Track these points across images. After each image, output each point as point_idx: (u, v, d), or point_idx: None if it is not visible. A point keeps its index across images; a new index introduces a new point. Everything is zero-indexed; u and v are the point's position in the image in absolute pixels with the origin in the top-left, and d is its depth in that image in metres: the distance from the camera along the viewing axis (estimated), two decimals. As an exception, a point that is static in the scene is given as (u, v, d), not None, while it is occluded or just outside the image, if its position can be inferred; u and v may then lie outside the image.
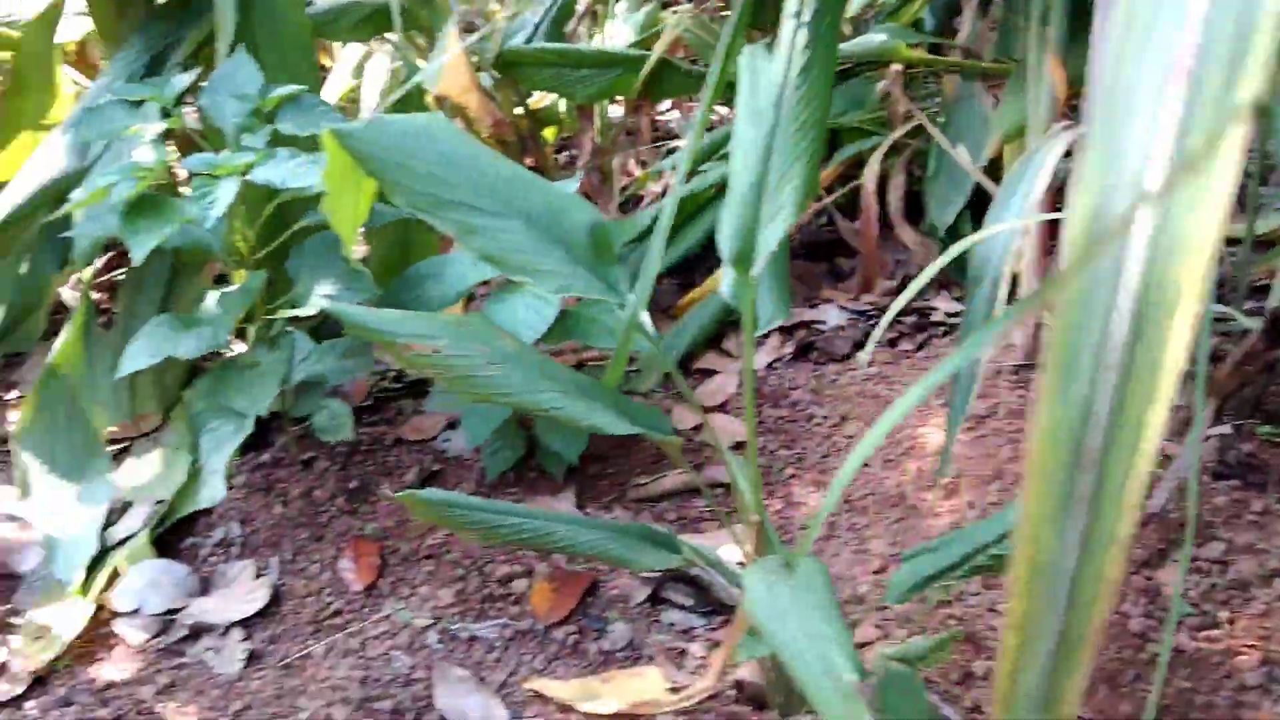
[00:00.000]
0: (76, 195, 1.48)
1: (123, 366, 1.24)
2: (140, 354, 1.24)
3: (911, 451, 1.35)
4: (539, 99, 2.38)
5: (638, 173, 2.27)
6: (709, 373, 1.71)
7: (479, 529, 0.92)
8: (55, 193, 1.59)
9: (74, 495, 1.45)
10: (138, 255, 1.07)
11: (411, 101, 1.70)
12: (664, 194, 2.03)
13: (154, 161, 1.14)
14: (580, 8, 2.19)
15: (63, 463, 1.50)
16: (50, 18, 1.73)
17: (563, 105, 2.33)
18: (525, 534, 0.92)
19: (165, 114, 1.27)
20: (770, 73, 0.95)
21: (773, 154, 0.86)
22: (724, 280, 0.91)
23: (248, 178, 1.12)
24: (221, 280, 1.80)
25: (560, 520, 0.93)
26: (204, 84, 1.38)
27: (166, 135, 1.54)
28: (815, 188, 0.87)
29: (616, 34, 2.33)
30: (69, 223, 1.65)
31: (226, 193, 1.08)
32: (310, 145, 1.24)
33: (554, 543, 0.92)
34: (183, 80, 1.26)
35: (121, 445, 1.61)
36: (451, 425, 1.60)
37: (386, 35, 2.02)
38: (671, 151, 2.31)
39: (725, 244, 0.89)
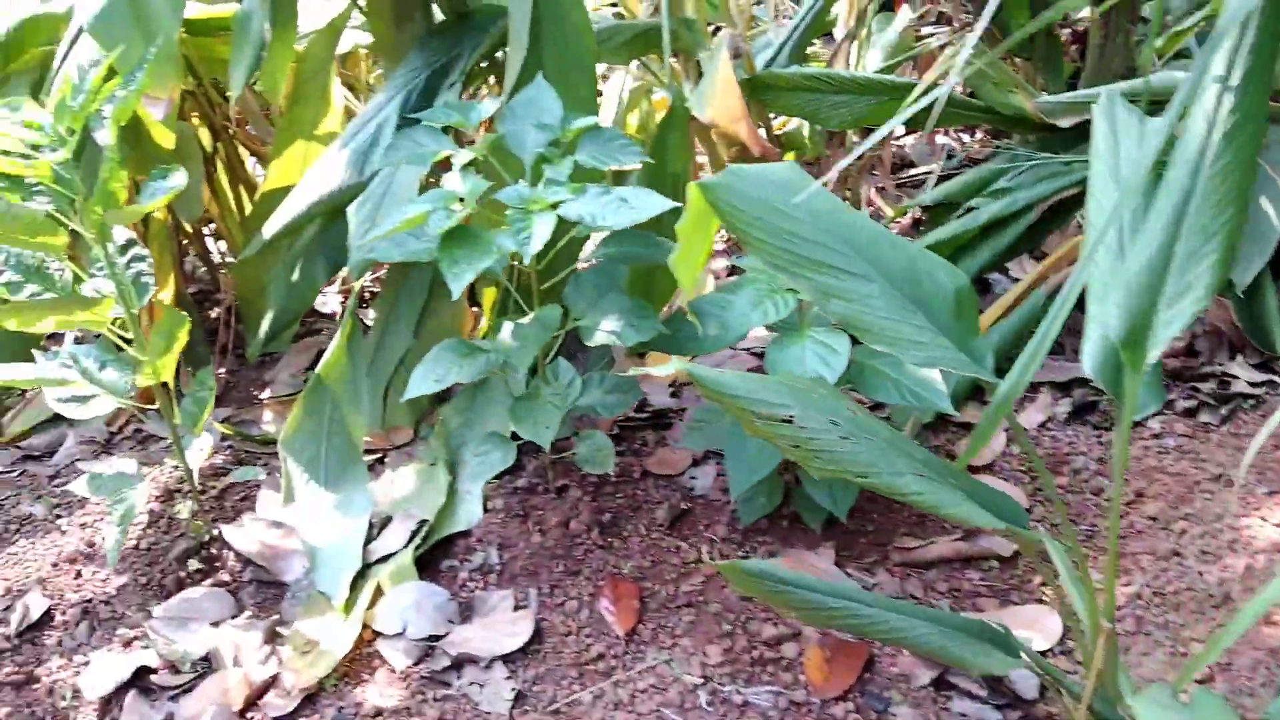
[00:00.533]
0: (377, 218, 1.50)
1: (411, 389, 1.24)
2: (426, 378, 1.23)
3: (1235, 545, 1.21)
4: (782, 121, 2.32)
5: (877, 201, 2.17)
6: (967, 427, 1.60)
7: (803, 608, 0.86)
8: (331, 205, 1.62)
9: (335, 503, 1.47)
10: (456, 287, 1.05)
11: (672, 125, 1.66)
12: (917, 227, 1.92)
13: (468, 191, 1.12)
14: (838, 32, 2.11)
15: (324, 470, 1.52)
16: (335, 30, 1.77)
17: (806, 129, 2.26)
18: (855, 619, 0.85)
19: (450, 133, 1.26)
20: (1148, 134, 0.85)
21: (1183, 228, 0.76)
22: (1092, 357, 0.82)
23: (558, 212, 1.09)
24: (472, 299, 1.81)
25: (894, 610, 0.86)
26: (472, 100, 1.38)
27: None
28: (1228, 271, 0.77)
29: (861, 56, 2.24)
30: (343, 235, 1.68)
31: (543, 228, 1.05)
32: (596, 176, 1.22)
33: (886, 633, 0.85)
34: (487, 108, 1.25)
35: (376, 456, 1.62)
36: (697, 462, 1.55)
37: (645, 58, 1.99)
38: (912, 182, 2.20)
39: (1114, 321, 0.79)
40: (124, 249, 1.24)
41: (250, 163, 2.12)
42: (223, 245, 2.14)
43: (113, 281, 1.16)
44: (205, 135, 1.95)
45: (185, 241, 2.03)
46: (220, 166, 1.98)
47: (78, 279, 1.24)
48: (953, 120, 1.86)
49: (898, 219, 2.01)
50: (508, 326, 1.19)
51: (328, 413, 1.56)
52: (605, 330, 1.23)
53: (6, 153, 1.01)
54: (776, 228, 0.80)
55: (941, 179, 2.24)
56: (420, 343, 1.73)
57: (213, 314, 2.07)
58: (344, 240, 1.67)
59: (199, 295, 2.13)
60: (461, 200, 1.13)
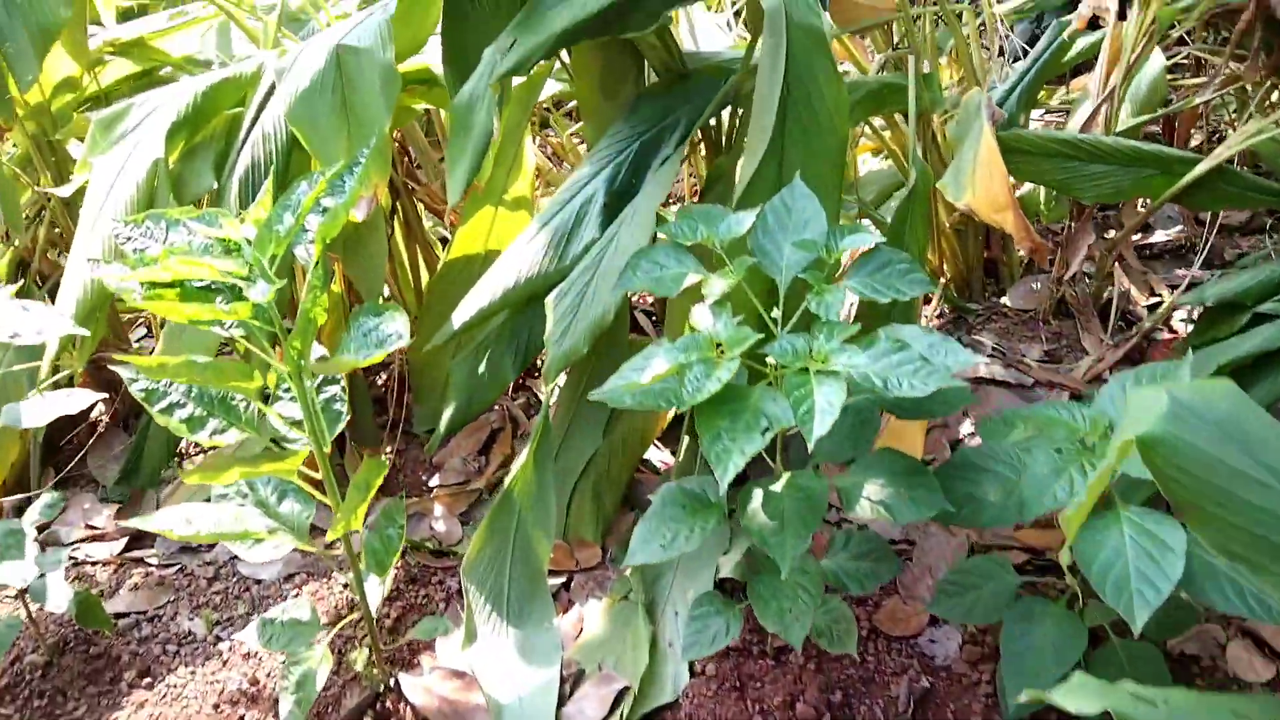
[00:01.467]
0: (581, 312, 1.31)
1: (633, 555, 1.04)
2: (650, 542, 1.04)
3: None
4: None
5: (1124, 281, 1.88)
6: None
7: None
8: (527, 293, 1.44)
9: (520, 647, 1.29)
10: (723, 478, 0.85)
11: (914, 206, 1.43)
12: (1182, 345, 1.64)
13: (728, 339, 0.91)
14: (1091, 83, 1.83)
15: (508, 601, 1.34)
16: (532, 86, 1.59)
17: (1042, 191, 2.00)
18: None
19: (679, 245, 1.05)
20: None
21: None
22: None
23: (836, 368, 0.88)
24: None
25: None
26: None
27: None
28: None
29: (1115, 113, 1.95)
30: (536, 324, 1.50)
31: (830, 400, 0.84)
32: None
33: None
34: (742, 221, 1.03)
35: (560, 580, 1.44)
36: (935, 620, 1.32)
37: (878, 118, 1.76)
38: (1152, 252, 1.90)
39: None
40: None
41: (426, 218, 1.97)
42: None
43: (305, 416, 0.99)
44: (382, 192, 1.80)
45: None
46: (397, 225, 1.82)
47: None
48: (1239, 202, 1.58)
49: (1163, 318, 1.72)
50: (757, 495, 0.98)
51: (514, 533, 1.38)
52: (872, 499, 1.01)
53: (204, 291, 0.85)
54: (1239, 504, 0.57)
55: (1210, 264, 1.95)
56: (609, 444, 1.54)
57: (379, 379, 1.92)
58: (538, 330, 1.50)
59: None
60: (721, 348, 0.92)
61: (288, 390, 1.06)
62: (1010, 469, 1.10)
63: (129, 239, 0.95)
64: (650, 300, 2.07)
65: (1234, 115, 2.15)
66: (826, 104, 1.22)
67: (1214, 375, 1.36)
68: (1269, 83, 1.60)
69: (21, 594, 1.27)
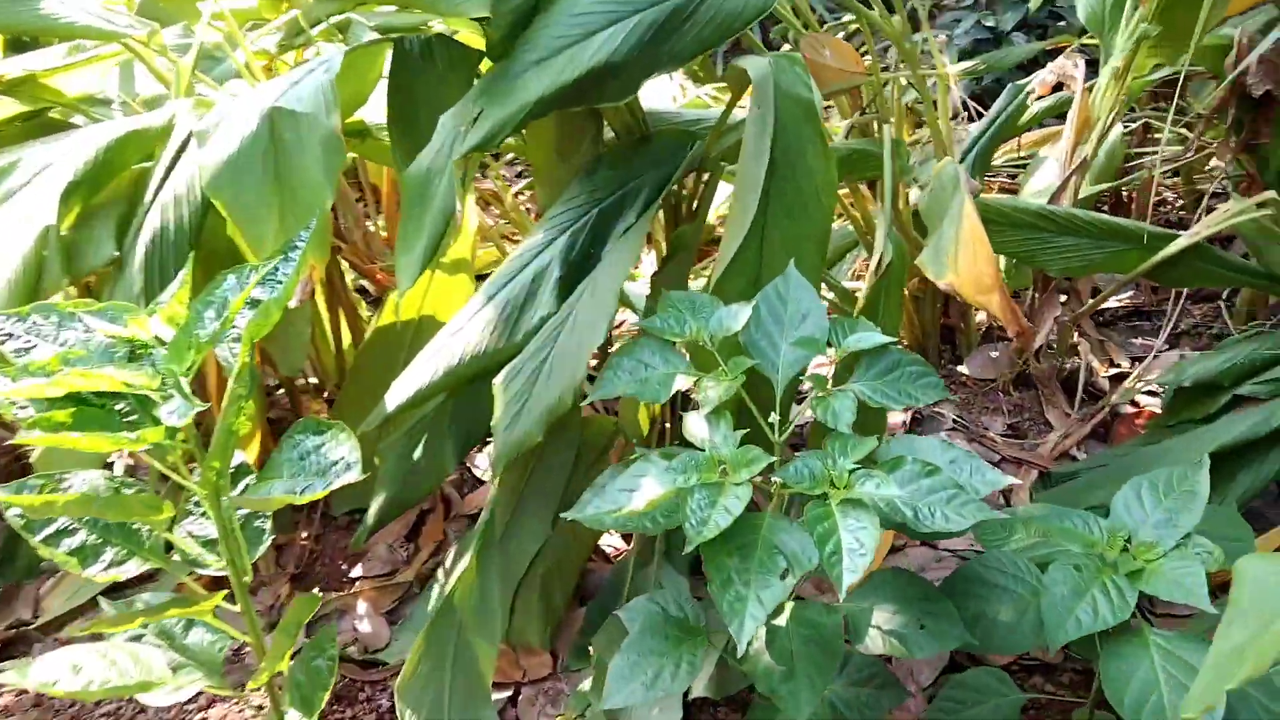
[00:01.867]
0: (533, 397, 1.18)
1: (609, 698, 0.90)
2: (629, 682, 0.90)
3: None
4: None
5: (1087, 356, 1.83)
6: None
7: None
8: (472, 371, 1.29)
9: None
10: (741, 637, 0.72)
11: (889, 288, 1.34)
12: (1155, 424, 1.58)
13: (731, 458, 0.79)
14: (1054, 152, 1.78)
15: (448, 722, 1.19)
16: (474, 144, 1.45)
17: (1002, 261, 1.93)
18: None
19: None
20: None
21: None
22: None
23: (861, 498, 0.76)
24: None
25: None
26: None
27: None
28: None
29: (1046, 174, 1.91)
30: (481, 408, 1.36)
31: (862, 541, 0.72)
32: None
33: None
34: (737, 316, 0.91)
35: (505, 694, 1.29)
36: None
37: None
38: (1107, 319, 1.86)
39: None
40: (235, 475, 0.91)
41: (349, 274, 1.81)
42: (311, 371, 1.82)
43: (221, 542, 0.83)
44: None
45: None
46: (317, 284, 1.66)
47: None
48: (1214, 281, 1.53)
49: (1130, 396, 1.66)
50: (750, 619, 0.85)
51: (453, 644, 1.23)
52: (883, 628, 0.89)
53: (102, 409, 0.69)
54: None
55: (1177, 337, 1.91)
56: (559, 534, 1.40)
57: (293, 452, 1.74)
58: (482, 414, 1.35)
59: (276, 427, 1.80)
60: (724, 468, 0.80)
61: (199, 505, 0.89)
62: (1019, 583, 1.01)
63: (9, 336, 0.78)
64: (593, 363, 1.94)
65: (1182, 186, 2.14)
66: (815, 181, 1.11)
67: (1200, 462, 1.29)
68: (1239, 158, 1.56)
69: None
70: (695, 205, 1.44)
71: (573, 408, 1.33)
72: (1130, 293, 2.05)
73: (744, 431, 0.83)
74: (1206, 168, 2.05)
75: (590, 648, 1.27)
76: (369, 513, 1.37)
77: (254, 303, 0.78)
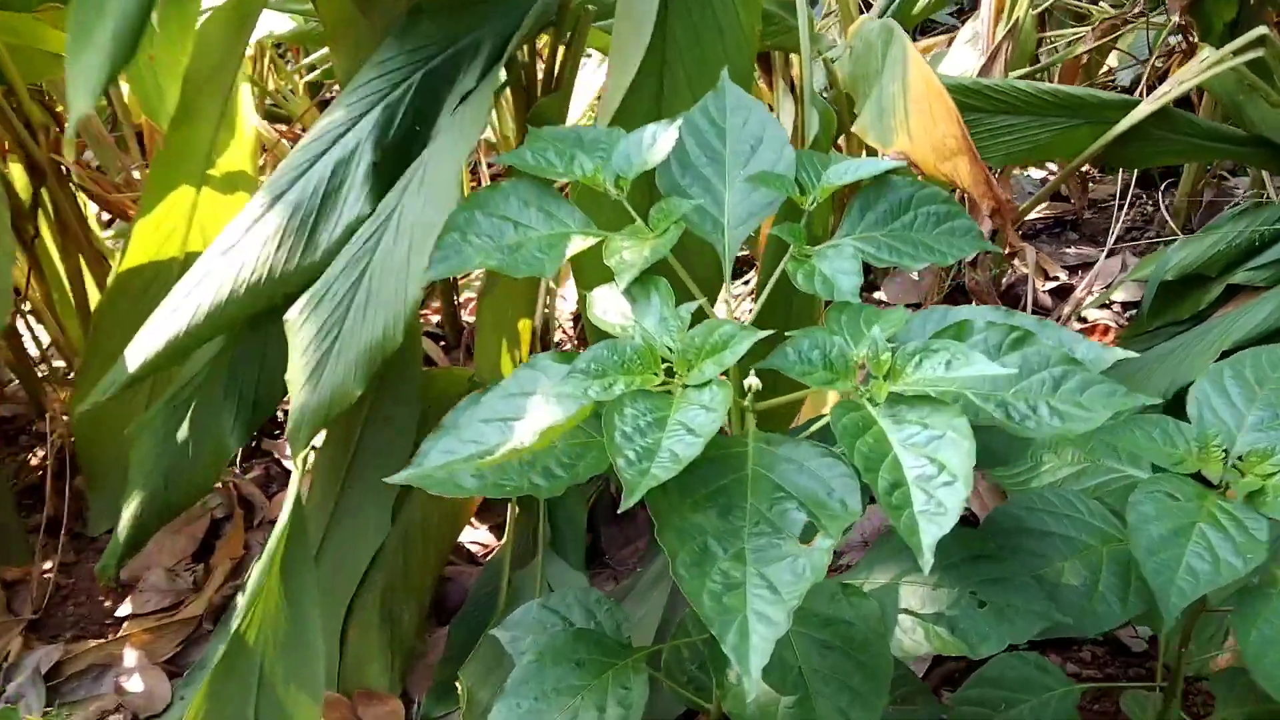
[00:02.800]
0: (346, 332, 0.82)
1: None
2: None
3: None
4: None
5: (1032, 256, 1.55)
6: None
7: None
8: (253, 305, 0.90)
9: None
10: (751, 666, 0.37)
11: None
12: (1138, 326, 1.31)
13: (687, 342, 0.44)
14: (969, 34, 1.51)
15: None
16: (241, 12, 1.05)
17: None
18: None
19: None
20: None
21: None
22: None
23: (926, 390, 0.42)
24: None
25: None
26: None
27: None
28: None
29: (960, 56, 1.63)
30: (273, 360, 0.96)
31: (956, 462, 0.38)
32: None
33: None
34: (660, 140, 0.56)
35: (340, 760, 0.90)
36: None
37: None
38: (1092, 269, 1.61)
39: None
40: None
41: (95, 209, 1.37)
42: (41, 332, 1.36)
43: None
44: (18, 174, 1.20)
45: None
46: (45, 226, 1.22)
47: None
48: (1185, 155, 1.28)
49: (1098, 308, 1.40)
50: (759, 626, 0.49)
51: (252, 702, 0.83)
52: (923, 612, 0.56)
53: None
54: None
55: (1096, 242, 1.66)
56: (402, 531, 1.02)
57: (30, 458, 1.29)
58: (275, 365, 0.96)
59: (7, 425, 1.35)
60: (670, 368, 0.45)
61: None
62: (1082, 527, 0.70)
63: None
64: (436, 316, 1.55)
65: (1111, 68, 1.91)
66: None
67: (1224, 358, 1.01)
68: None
69: None
70: (556, 72, 1.08)
71: (407, 348, 0.96)
72: (1046, 203, 1.81)
73: (693, 305, 0.48)
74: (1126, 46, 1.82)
75: (457, 683, 0.90)
76: (119, 525, 0.96)
77: None
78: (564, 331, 1.50)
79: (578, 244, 0.53)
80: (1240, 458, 0.68)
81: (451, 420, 0.49)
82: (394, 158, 0.94)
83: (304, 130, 1.44)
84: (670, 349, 0.45)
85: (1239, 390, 0.72)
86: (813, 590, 0.53)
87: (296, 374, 0.86)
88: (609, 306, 0.50)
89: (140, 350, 0.89)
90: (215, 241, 0.93)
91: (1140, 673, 0.99)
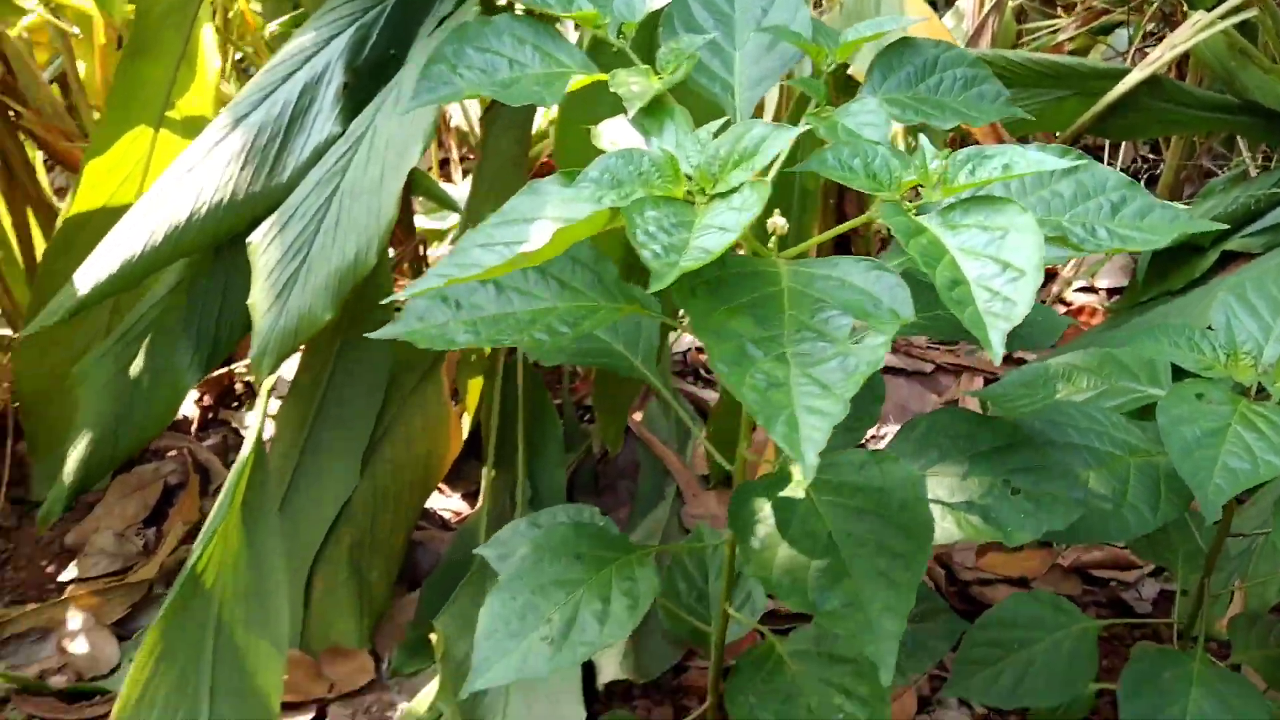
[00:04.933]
0: (316, 252, 0.77)
1: (481, 672, 0.48)
2: (512, 642, 0.49)
3: None
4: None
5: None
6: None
7: None
8: (215, 230, 0.84)
9: None
10: (807, 454, 0.31)
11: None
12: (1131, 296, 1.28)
13: (709, 155, 0.39)
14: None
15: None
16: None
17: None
18: None
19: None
20: None
21: None
22: None
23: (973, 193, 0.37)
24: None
25: None
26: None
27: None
28: None
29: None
30: (233, 292, 0.90)
31: (1018, 260, 0.33)
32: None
33: None
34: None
35: (304, 716, 0.83)
36: (924, 702, 0.85)
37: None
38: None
39: None
40: None
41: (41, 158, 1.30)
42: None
43: None
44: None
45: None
46: (-11, 172, 1.15)
47: None
48: (1176, 126, 1.26)
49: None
50: (809, 419, 0.42)
51: (209, 649, 0.76)
52: (952, 501, 0.51)
53: None
54: None
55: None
56: (372, 484, 0.96)
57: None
58: (236, 294, 0.89)
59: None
60: (690, 180, 0.40)
61: None
62: (1105, 439, 0.65)
63: None
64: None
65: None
66: None
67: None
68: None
69: None
70: None
71: (380, 282, 0.91)
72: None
73: (716, 124, 0.44)
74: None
75: (431, 637, 0.83)
76: (65, 467, 0.89)
77: None
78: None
79: (578, 80, 0.48)
80: (1270, 366, 0.65)
81: (465, 242, 0.43)
82: (367, 80, 0.89)
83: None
84: (693, 168, 0.40)
85: (1264, 303, 0.69)
86: (840, 460, 0.48)
87: (261, 297, 0.80)
88: (619, 137, 0.45)
89: (92, 273, 0.82)
90: (173, 163, 0.87)
91: (1145, 633, 0.95)
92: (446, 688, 0.79)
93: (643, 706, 0.80)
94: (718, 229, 0.36)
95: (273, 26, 1.44)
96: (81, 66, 1.29)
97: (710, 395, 1.27)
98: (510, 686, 0.80)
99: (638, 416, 1.23)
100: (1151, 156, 1.79)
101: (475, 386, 1.12)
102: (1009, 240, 0.36)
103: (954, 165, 0.39)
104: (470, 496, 1.15)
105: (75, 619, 0.97)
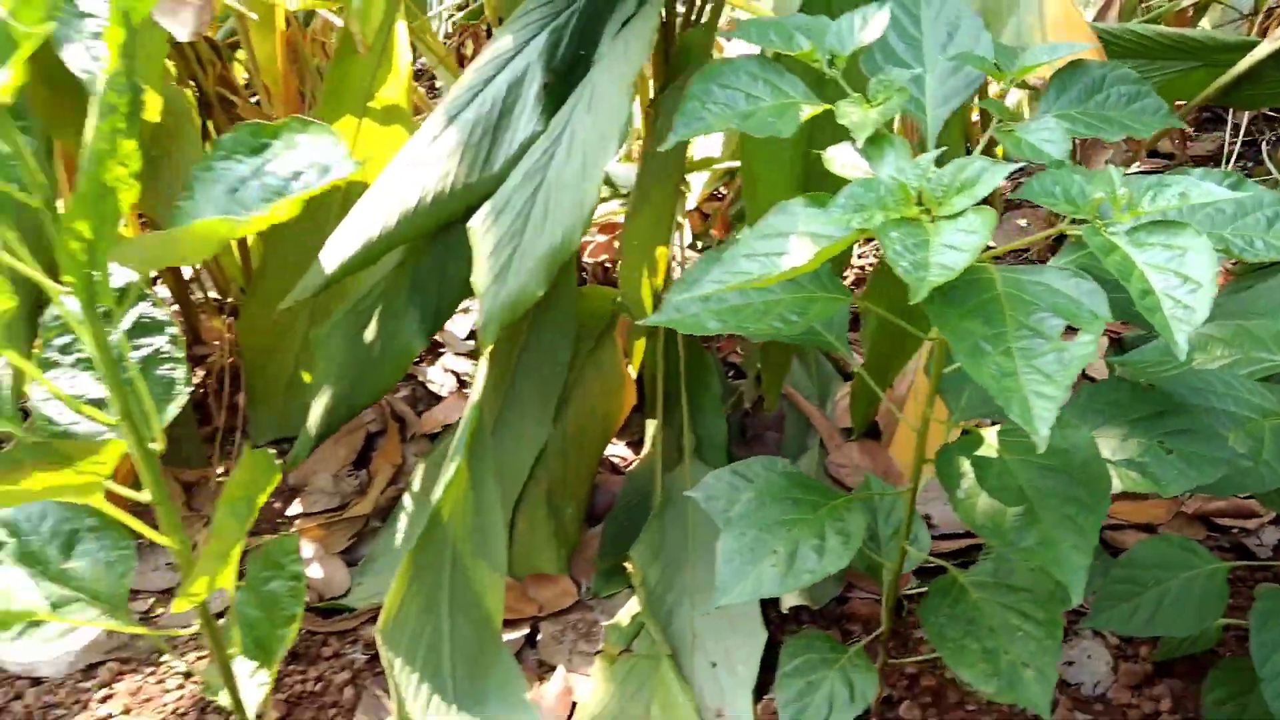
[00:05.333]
0: (527, 235, 0.89)
1: (724, 593, 0.61)
2: (750, 569, 0.61)
3: None
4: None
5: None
6: None
7: None
8: (436, 216, 0.97)
9: (482, 748, 0.82)
10: (1036, 420, 0.42)
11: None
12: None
13: (939, 180, 0.49)
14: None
15: (453, 676, 0.87)
16: (406, -55, 1.12)
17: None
18: None
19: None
20: None
21: None
22: None
23: (1154, 217, 0.47)
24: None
25: None
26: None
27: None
28: None
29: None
30: (454, 268, 1.03)
31: (1196, 273, 0.43)
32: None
33: None
34: (871, 21, 0.61)
35: (519, 633, 0.98)
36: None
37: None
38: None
39: None
40: (120, 298, 0.58)
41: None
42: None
43: (106, 377, 0.50)
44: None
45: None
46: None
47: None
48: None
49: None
50: (1038, 400, 0.54)
51: (447, 575, 0.91)
52: (1115, 458, 0.61)
53: None
54: None
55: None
56: (561, 435, 1.10)
57: (196, 374, 1.38)
58: (454, 274, 1.03)
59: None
60: (920, 201, 0.50)
61: (68, 347, 0.56)
62: (1241, 404, 0.74)
63: None
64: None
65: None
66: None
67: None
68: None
69: None
70: (696, 6, 1.13)
71: (571, 265, 1.03)
72: (1141, 160, 1.83)
73: (933, 155, 0.54)
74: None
75: (627, 564, 0.97)
76: (309, 419, 1.04)
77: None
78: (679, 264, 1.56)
79: (807, 111, 0.59)
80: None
81: (702, 268, 0.55)
82: (561, 79, 1.01)
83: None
84: (919, 190, 0.51)
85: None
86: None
87: (482, 276, 0.93)
88: (846, 161, 0.56)
89: (335, 254, 0.96)
90: (399, 155, 1.00)
91: (1267, 575, 1.03)
92: (645, 606, 0.92)
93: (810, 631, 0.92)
94: (953, 249, 0.47)
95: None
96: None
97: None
98: (696, 609, 0.94)
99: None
100: (1273, 114, 1.81)
101: (639, 347, 1.24)
102: (1188, 258, 0.45)
103: (1138, 192, 0.49)
104: (633, 444, 1.28)
105: (307, 549, 1.13)
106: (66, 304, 0.50)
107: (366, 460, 1.26)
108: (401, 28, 1.22)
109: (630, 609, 0.94)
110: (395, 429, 1.28)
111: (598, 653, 0.92)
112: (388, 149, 1.22)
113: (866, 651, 0.75)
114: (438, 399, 1.37)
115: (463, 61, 1.72)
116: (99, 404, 0.58)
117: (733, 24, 1.28)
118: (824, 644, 0.74)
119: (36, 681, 0.93)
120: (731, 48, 1.59)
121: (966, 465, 0.57)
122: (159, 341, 0.59)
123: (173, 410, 0.58)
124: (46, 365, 0.58)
